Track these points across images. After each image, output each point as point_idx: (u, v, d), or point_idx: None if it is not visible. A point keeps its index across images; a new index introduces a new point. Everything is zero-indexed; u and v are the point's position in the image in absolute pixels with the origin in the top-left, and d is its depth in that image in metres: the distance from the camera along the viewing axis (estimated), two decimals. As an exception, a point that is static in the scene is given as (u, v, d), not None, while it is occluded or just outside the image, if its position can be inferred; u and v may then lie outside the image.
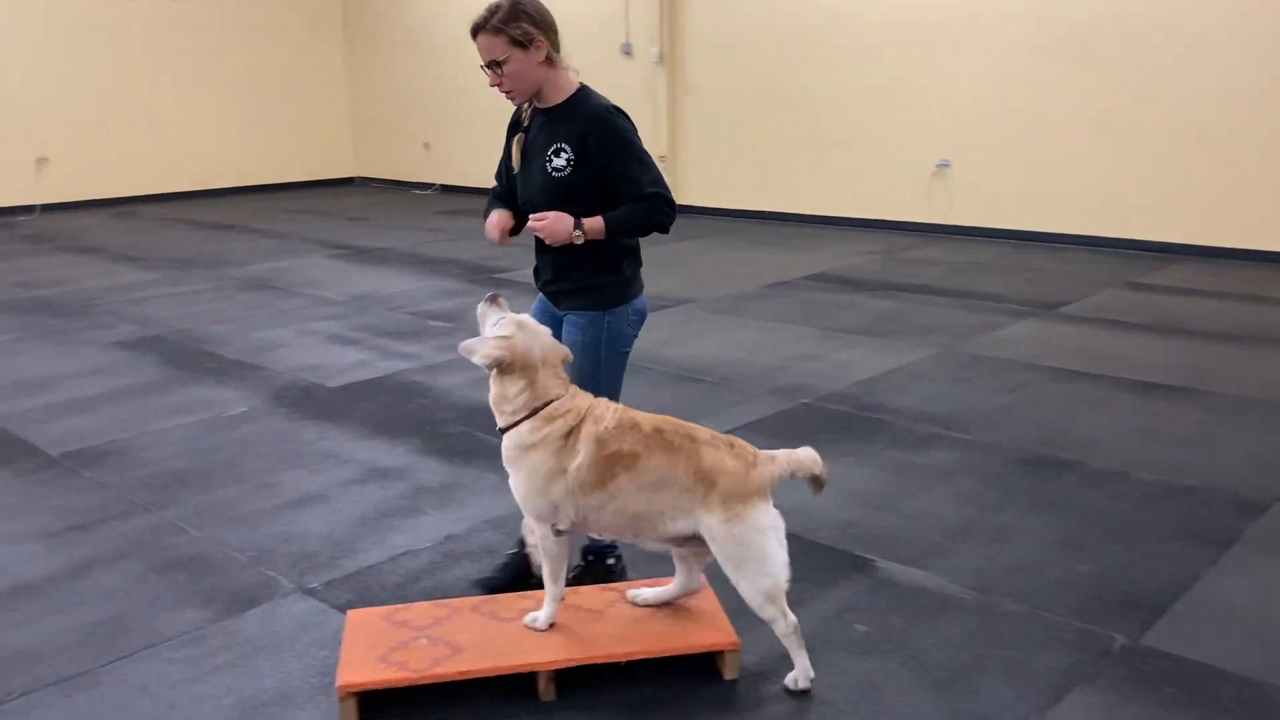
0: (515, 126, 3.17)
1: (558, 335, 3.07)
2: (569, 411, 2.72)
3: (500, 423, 2.80)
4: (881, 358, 6.01)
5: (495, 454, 4.52)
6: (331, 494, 4.19)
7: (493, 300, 2.87)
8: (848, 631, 3.09)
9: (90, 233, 11.15)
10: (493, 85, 2.99)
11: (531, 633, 2.82)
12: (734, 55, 11.30)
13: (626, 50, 12.04)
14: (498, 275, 8.45)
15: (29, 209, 12.56)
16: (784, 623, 2.70)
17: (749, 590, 2.66)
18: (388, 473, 4.42)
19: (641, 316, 3.20)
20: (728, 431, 4.79)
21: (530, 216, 2.99)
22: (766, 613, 2.68)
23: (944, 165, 10.06)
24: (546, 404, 2.73)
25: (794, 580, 3.38)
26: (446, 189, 14.35)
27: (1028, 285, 7.86)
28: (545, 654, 2.73)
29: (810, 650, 2.81)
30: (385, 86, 14.98)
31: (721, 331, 6.69)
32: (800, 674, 2.76)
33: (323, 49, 15.00)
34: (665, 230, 3.04)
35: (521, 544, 3.34)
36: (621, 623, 2.88)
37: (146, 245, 10.31)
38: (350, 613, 2.97)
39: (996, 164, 9.73)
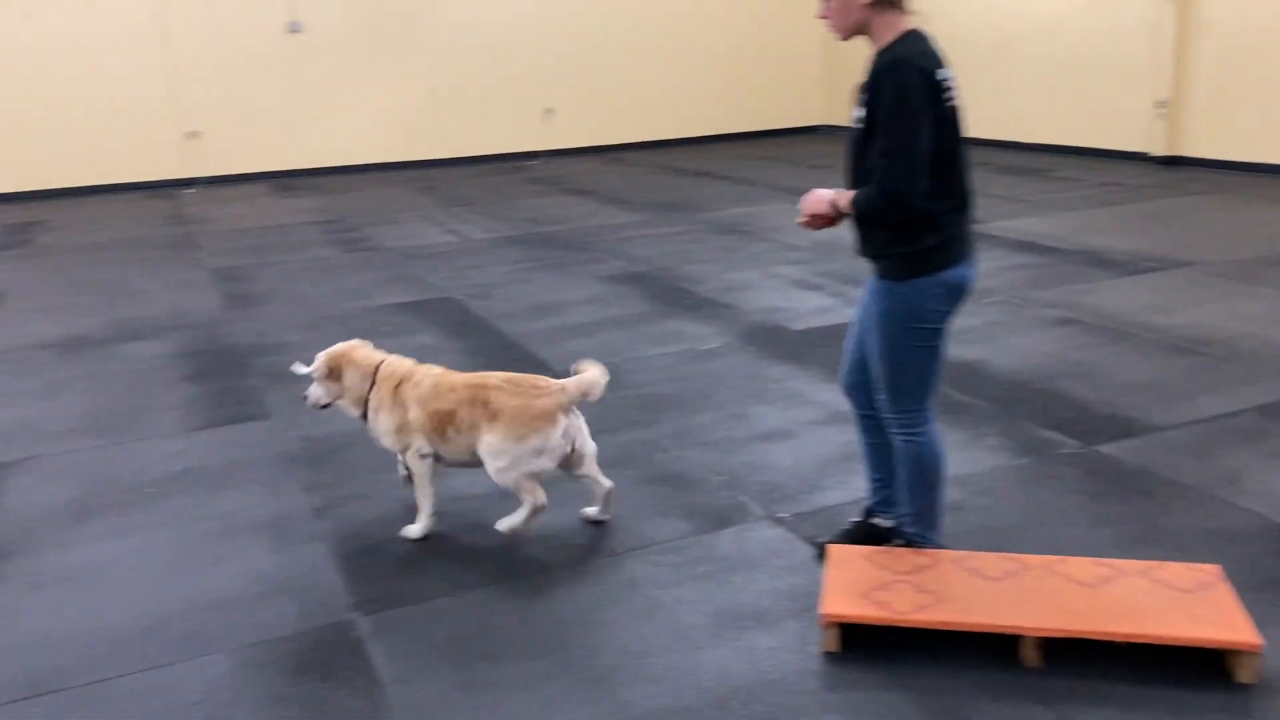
0: None
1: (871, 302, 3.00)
2: (391, 374, 3.55)
3: (355, 411, 3.63)
4: None
5: (970, 413, 4.45)
6: (797, 431, 4.35)
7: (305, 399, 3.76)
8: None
9: (586, 177, 12.39)
10: (819, 17, 2.93)
11: (1017, 595, 2.75)
12: (1264, -16, 9.80)
13: (1128, -16, 10.91)
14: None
15: (536, 155, 14.23)
16: (532, 498, 3.36)
17: (504, 479, 3.37)
18: (851, 418, 4.47)
19: (953, 291, 2.88)
20: (1233, 413, 4.28)
21: None
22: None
23: None
24: (376, 369, 3.57)
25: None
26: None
27: None
28: (1035, 619, 2.65)
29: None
30: (857, 34, 14.91)
31: (1228, 299, 5.93)
32: (508, 522, 3.39)
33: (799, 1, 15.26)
34: (886, 225, 2.80)
35: (869, 512, 3.27)
36: (1116, 600, 2.71)
37: (633, 189, 11.26)
38: (831, 547, 3.08)
39: None
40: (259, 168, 13.00)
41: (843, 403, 4.62)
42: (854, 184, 2.89)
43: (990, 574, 2.84)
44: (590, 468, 3.51)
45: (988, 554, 2.99)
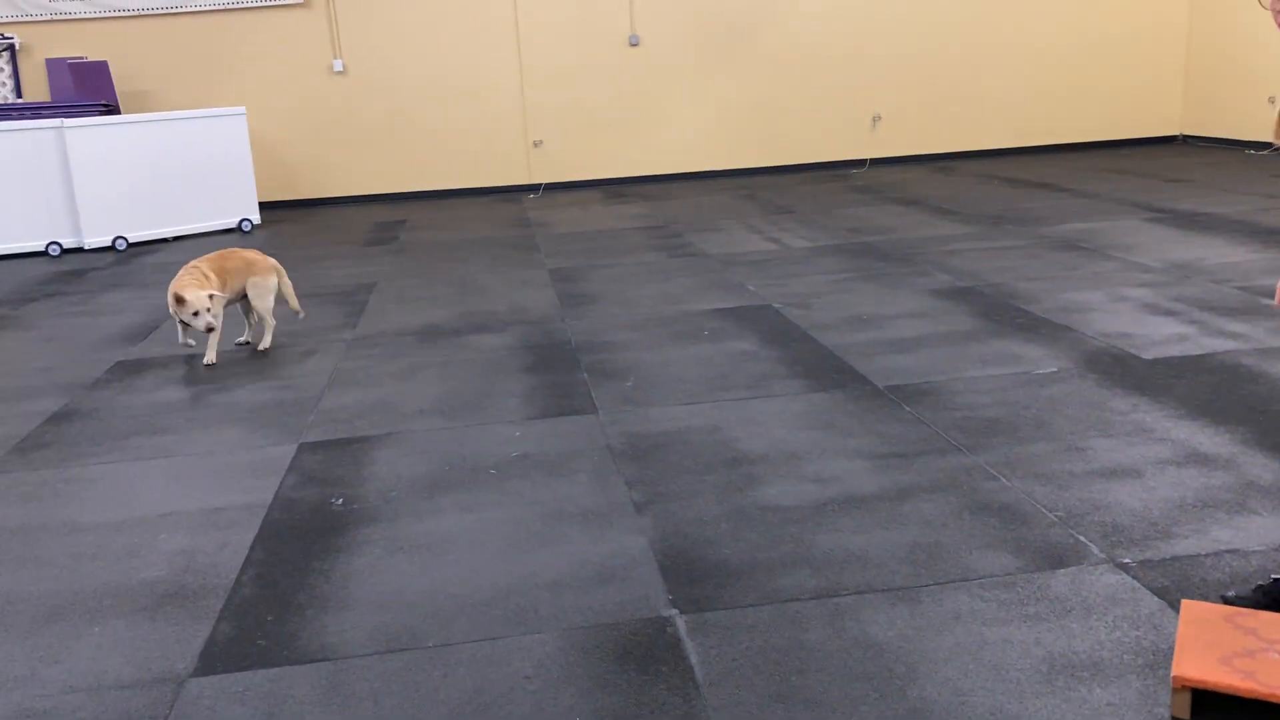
0: None
1: None
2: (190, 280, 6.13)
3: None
4: None
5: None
6: (1144, 470, 3.98)
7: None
8: None
9: (912, 186, 12.04)
10: (1271, 7, 2.54)
11: None
12: None
13: None
14: (1359, 252, 7.12)
15: (860, 163, 14.01)
16: (269, 319, 6.42)
17: (262, 307, 6.40)
18: (1210, 460, 4.04)
19: None
20: None
21: None
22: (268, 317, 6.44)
23: None
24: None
25: None
26: (1291, 149, 12.47)
27: None
28: None
29: None
30: (1230, 34, 13.45)
31: None
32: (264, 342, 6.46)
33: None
34: None
35: None
36: None
37: (962, 200, 10.80)
38: (1185, 602, 2.79)
39: None
40: (593, 175, 13.75)
41: (1202, 442, 4.21)
42: None
43: (1393, 656, 2.45)
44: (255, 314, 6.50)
45: (1386, 634, 2.58)
